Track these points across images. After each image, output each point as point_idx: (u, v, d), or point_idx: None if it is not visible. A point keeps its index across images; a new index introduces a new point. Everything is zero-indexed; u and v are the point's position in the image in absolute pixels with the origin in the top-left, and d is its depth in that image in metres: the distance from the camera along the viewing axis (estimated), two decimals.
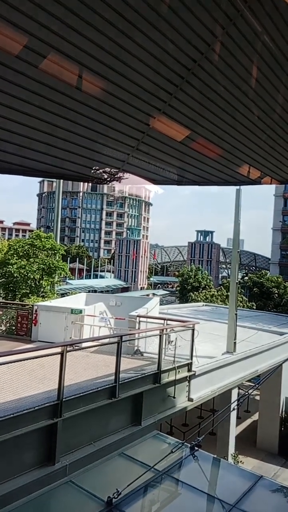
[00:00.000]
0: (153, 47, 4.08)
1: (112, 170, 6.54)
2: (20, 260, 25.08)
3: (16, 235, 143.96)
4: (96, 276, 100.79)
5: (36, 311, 13.94)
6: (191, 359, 11.38)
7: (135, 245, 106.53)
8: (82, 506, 6.97)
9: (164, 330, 10.80)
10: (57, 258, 26.26)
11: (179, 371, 10.85)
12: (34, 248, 25.68)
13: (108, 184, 7.27)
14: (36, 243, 25.75)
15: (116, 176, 6.74)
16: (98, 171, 6.63)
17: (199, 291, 50.62)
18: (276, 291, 45.94)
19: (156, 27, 3.84)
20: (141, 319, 12.41)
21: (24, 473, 6.89)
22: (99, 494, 7.10)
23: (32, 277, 24.71)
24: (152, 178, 7.41)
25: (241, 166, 7.03)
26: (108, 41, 3.83)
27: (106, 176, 6.77)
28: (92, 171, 6.64)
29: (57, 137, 5.22)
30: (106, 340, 9.83)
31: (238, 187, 14.12)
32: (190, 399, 11.43)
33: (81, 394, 7.98)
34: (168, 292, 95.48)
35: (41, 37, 3.62)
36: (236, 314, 14.73)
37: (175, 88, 4.71)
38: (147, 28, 3.82)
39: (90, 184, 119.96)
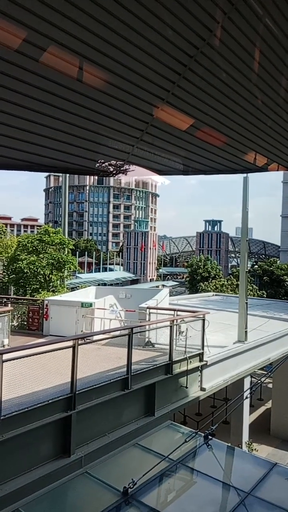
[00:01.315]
0: (154, 36, 4.03)
1: (117, 162, 6.51)
2: (29, 255, 25.23)
3: (25, 231, 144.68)
4: (105, 269, 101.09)
5: (46, 305, 14.05)
6: (203, 349, 11.40)
7: (143, 237, 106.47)
8: (99, 497, 7.06)
9: (175, 321, 10.82)
10: (66, 252, 26.36)
11: (190, 361, 10.87)
12: (43, 244, 25.80)
13: (114, 176, 7.24)
14: (44, 238, 25.86)
15: (121, 168, 6.71)
16: (103, 164, 6.60)
17: (209, 281, 50.53)
18: (287, 279, 45.66)
19: (156, 14, 3.78)
20: (151, 310, 12.44)
21: (41, 466, 7.00)
22: (115, 485, 7.18)
23: (42, 272, 24.86)
24: (158, 169, 7.37)
25: (247, 153, 6.94)
26: (107, 31, 3.78)
27: (111, 169, 6.74)
28: (98, 164, 6.61)
29: (61, 131, 5.20)
30: (117, 333, 9.87)
31: (245, 174, 13.99)
32: (202, 389, 11.46)
33: (94, 387, 8.05)
34: (177, 283, 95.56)
35: (40, 30, 3.59)
36: (246, 303, 14.67)
37: (178, 76, 4.65)
38: (147, 16, 3.76)
39: (96, 177, 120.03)
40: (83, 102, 4.68)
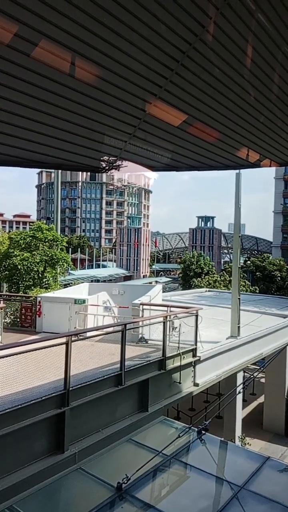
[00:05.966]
0: (146, 31, 4.01)
1: (110, 158, 6.48)
2: (22, 252, 25.11)
3: (17, 227, 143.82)
4: (98, 266, 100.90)
5: (39, 302, 14.00)
6: (196, 344, 11.44)
7: (136, 234, 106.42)
8: (93, 492, 7.08)
9: (168, 317, 10.84)
10: (59, 249, 26.26)
11: (184, 357, 10.91)
12: (36, 240, 25.69)
13: (106, 173, 7.21)
14: (37, 235, 25.74)
15: (114, 164, 6.68)
16: (95, 160, 6.57)
17: (202, 277, 50.66)
18: (279, 274, 45.92)
19: (149, 10, 3.77)
20: (145, 306, 12.45)
21: (35, 462, 7.00)
22: (108, 480, 7.20)
23: (35, 269, 24.76)
24: (151, 165, 7.35)
25: (239, 150, 6.96)
26: (99, 26, 3.76)
27: (104, 165, 6.72)
28: (90, 160, 6.58)
29: (53, 126, 5.17)
30: (111, 329, 9.87)
31: (237, 171, 14.02)
32: (195, 384, 11.52)
33: (88, 383, 8.05)
34: (170, 279, 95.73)
35: (32, 24, 3.56)
36: (239, 298, 14.75)
37: (170, 72, 4.64)
38: (139, 11, 3.74)
39: (88, 173, 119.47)
40: (75, 97, 4.66)
